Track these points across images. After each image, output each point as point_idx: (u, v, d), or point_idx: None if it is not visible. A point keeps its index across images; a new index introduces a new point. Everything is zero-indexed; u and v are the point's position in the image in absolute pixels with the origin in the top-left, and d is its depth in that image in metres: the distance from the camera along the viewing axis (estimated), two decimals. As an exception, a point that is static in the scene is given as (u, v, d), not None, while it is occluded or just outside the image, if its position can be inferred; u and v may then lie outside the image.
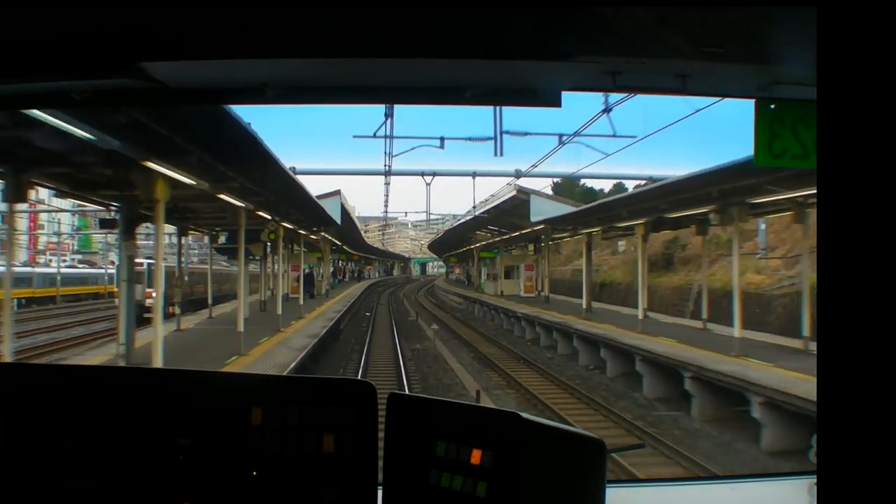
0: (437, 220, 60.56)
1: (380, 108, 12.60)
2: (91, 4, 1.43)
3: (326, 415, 1.36)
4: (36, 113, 6.60)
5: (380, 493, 1.36)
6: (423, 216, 62.28)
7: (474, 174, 20.52)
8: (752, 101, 1.90)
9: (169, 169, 10.01)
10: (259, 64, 1.68)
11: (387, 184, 22.87)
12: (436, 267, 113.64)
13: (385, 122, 13.45)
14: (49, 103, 1.93)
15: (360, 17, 1.50)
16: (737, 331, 13.79)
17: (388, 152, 15.72)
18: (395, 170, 17.85)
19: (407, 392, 3.35)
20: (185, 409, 1.39)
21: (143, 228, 16.35)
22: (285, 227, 20.27)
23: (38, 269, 41.03)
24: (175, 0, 1.43)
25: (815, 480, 1.58)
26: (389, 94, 2.08)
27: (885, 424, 0.82)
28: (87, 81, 1.74)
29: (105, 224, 17.92)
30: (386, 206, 38.18)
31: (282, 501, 1.34)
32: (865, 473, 0.83)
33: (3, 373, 1.53)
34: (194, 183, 11.13)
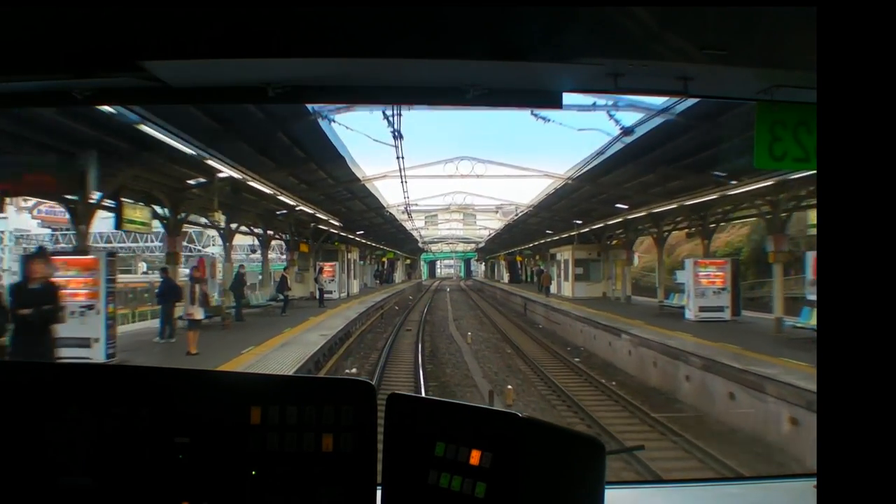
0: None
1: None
2: (93, 3, 1.43)
3: (326, 414, 1.36)
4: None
5: (379, 493, 1.36)
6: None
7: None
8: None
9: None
10: (261, 64, 1.68)
11: (406, 191, 21.86)
12: (443, 266, 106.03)
13: (393, 120, 13.91)
14: (50, 102, 1.92)
15: (362, 17, 1.50)
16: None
17: (399, 155, 16.19)
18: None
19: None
20: (185, 407, 1.40)
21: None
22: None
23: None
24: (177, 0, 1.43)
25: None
26: (390, 94, 2.08)
27: (885, 424, 0.82)
28: (88, 80, 1.74)
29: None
30: (406, 199, 30.20)
31: (281, 501, 1.34)
32: (865, 474, 0.83)
33: (2, 370, 1.53)
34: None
